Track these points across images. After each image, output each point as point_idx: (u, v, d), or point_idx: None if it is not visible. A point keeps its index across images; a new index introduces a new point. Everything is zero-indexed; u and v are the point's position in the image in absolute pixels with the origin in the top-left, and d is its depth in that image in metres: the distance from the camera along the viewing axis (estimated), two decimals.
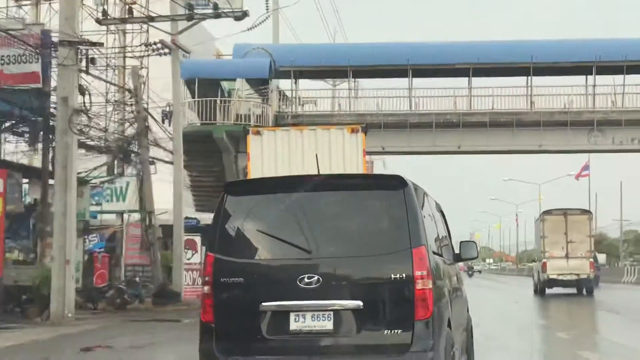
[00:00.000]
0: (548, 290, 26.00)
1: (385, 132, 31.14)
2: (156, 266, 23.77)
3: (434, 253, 6.35)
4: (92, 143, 21.19)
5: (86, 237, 24.74)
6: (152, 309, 21.91)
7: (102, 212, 26.07)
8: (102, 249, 25.63)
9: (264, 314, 5.94)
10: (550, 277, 25.41)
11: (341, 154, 16.42)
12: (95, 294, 23.06)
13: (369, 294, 5.89)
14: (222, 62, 35.47)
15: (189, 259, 29.22)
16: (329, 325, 5.87)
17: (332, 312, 5.87)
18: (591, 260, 25.43)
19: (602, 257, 71.31)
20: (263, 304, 5.94)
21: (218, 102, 30.52)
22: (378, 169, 75.14)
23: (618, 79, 32.20)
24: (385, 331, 5.83)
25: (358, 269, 5.98)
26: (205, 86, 31.14)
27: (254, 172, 16.72)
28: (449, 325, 6.47)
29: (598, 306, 21.07)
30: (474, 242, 7.68)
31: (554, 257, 25.32)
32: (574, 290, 25.51)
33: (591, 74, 31.94)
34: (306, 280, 5.86)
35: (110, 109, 23.58)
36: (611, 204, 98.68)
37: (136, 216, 31.16)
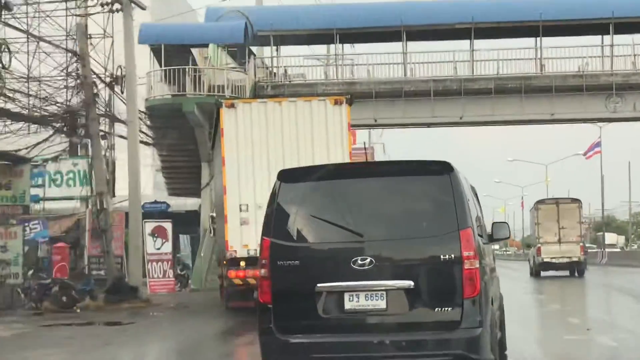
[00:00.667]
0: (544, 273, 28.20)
1: (378, 103, 28.18)
2: (109, 257, 20.39)
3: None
4: (22, 111, 18.12)
5: (27, 224, 21.31)
6: (104, 308, 18.74)
7: (45, 198, 22.74)
8: (46, 238, 22.56)
9: (320, 294, 6.42)
10: (545, 260, 27.32)
11: (324, 128, 15.22)
12: (38, 292, 20.17)
13: (419, 274, 6.33)
14: (190, 26, 31.84)
15: (158, 249, 26.05)
16: (382, 304, 6.33)
17: (384, 292, 6.32)
18: (581, 244, 27.26)
19: (621, 240, 68.71)
20: (318, 285, 6.40)
21: (188, 71, 27.03)
22: (379, 155, 76.14)
23: (638, 37, 28.94)
24: (436, 309, 6.27)
25: (408, 251, 6.43)
26: (174, 54, 27.62)
27: (229, 149, 15.26)
28: (492, 303, 6.95)
29: None
30: (506, 223, 7.70)
31: (547, 242, 27.22)
32: (566, 273, 27.24)
33: (608, 32, 28.57)
34: (359, 262, 6.31)
35: (53, 74, 20.66)
36: (622, 182, 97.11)
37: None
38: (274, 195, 6.79)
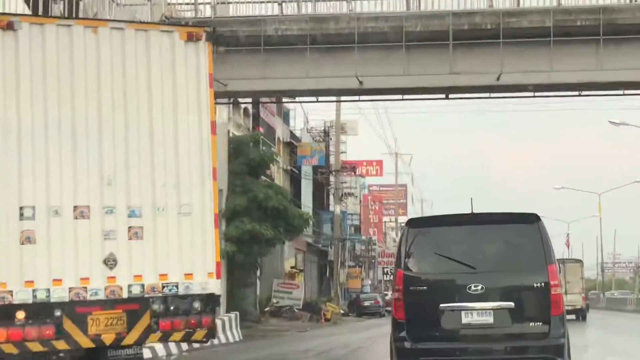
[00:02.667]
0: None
1: (365, 53, 22.71)
2: None
3: None
4: None
5: None
6: None
7: None
8: None
9: (442, 312, 10.72)
10: None
11: (170, 78, 12.49)
12: None
13: (518, 297, 10.80)
14: None
15: None
16: (490, 319, 10.75)
17: (492, 310, 10.74)
18: (583, 295, 43.43)
19: None
20: (441, 305, 10.75)
21: None
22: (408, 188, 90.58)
23: None
24: (530, 323, 10.80)
25: (510, 280, 10.94)
26: None
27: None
28: None
29: None
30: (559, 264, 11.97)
31: None
32: (572, 317, 40.08)
33: None
34: (472, 288, 10.79)
35: None
36: None
37: None
38: (402, 237, 11.51)
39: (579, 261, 48.36)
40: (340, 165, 58.49)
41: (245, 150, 33.28)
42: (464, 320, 10.96)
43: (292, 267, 52.72)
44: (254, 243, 30.55)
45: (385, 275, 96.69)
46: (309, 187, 65.60)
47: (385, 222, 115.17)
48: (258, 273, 38.38)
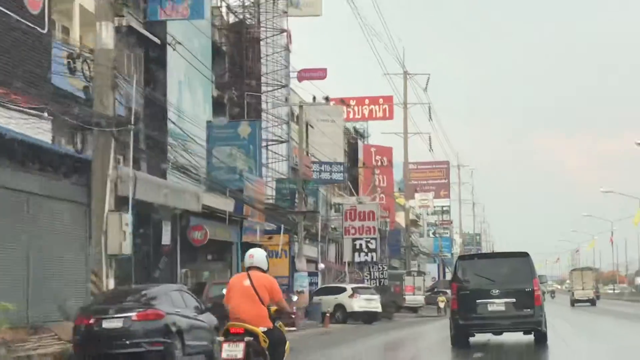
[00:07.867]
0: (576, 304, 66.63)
1: None
2: None
3: None
4: None
5: None
6: None
7: None
8: None
9: (478, 304, 21.68)
10: (576, 298, 69.34)
11: None
12: None
13: (517, 296, 21.71)
14: None
15: None
16: (502, 307, 21.45)
17: (504, 303, 21.46)
18: (594, 290, 71.82)
19: None
20: (477, 300, 21.67)
21: None
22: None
23: None
24: (523, 310, 21.50)
25: (513, 287, 21.77)
26: None
27: None
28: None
29: None
30: (544, 275, 28.36)
31: (576, 289, 70.33)
32: (587, 305, 64.89)
33: None
34: (493, 291, 21.65)
35: None
36: None
37: None
38: (457, 265, 22.77)
39: (592, 268, 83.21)
40: None
41: None
42: (489, 309, 21.04)
43: None
44: None
45: (357, 254, 53.50)
46: (197, 76, 32.28)
47: (412, 206, 78.33)
48: None
